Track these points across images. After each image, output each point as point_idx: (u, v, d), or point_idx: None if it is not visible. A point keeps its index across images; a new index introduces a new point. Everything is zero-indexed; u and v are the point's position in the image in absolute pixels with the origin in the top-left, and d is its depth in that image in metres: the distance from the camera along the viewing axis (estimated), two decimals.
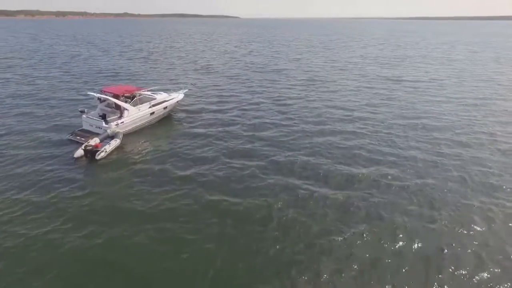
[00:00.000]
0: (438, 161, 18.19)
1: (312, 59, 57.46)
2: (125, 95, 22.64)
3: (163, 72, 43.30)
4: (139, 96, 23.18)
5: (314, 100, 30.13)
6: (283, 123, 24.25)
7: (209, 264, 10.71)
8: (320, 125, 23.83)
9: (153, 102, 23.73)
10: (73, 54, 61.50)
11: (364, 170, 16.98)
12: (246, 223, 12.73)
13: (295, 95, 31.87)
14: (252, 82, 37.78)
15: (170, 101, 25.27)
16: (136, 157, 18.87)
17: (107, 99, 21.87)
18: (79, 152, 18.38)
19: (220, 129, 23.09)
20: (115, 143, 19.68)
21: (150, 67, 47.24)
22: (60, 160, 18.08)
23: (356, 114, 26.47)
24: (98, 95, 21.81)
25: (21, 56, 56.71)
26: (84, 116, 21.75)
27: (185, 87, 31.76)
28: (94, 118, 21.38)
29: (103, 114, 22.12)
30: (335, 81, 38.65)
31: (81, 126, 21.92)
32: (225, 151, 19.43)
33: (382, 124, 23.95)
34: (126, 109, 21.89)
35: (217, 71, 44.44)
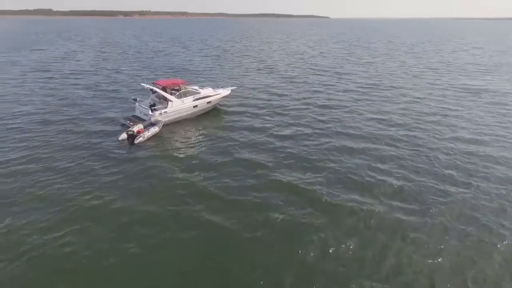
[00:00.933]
0: None
1: (386, 63, 53.68)
2: (172, 88, 24.89)
3: (226, 70, 45.65)
4: (184, 89, 25.22)
5: (361, 110, 27.95)
6: (320, 131, 23.03)
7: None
8: (358, 138, 22.18)
9: (197, 96, 25.54)
10: (159, 49, 68.93)
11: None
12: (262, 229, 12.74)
13: (345, 102, 30.46)
14: (307, 84, 37.31)
15: (214, 96, 26.81)
16: (170, 144, 20.86)
17: (155, 90, 24.25)
18: (123, 135, 21.02)
19: (257, 128, 23.44)
20: (153, 130, 21.94)
21: (217, 65, 50.24)
22: (108, 139, 20.99)
23: (402, 132, 22.72)
24: (149, 86, 24.35)
25: (118, 51, 65.86)
26: (136, 104, 24.65)
27: (233, 84, 33.10)
28: (144, 106, 24.02)
29: (153, 103, 24.67)
30: (398, 88, 35.69)
31: (134, 113, 24.84)
32: (253, 149, 19.86)
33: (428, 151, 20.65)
34: (171, 101, 24.06)
35: (278, 71, 45.01)
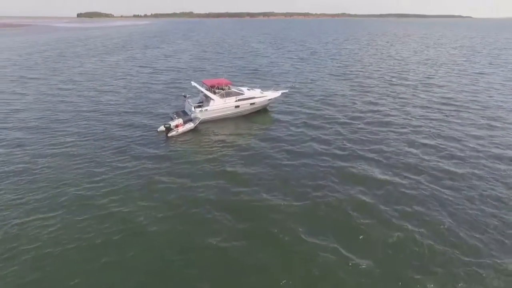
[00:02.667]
0: None
1: (508, 75, 43.42)
2: (219, 87, 26.18)
3: (301, 73, 44.74)
4: (227, 89, 26.23)
5: (433, 132, 23.54)
6: (373, 155, 20.60)
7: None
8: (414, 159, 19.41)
9: (239, 97, 26.22)
10: (255, 49, 72.18)
11: None
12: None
13: (415, 120, 26.23)
14: (375, 95, 33.58)
15: (259, 98, 27.01)
16: (202, 142, 21.91)
17: (198, 88, 25.89)
18: (161, 128, 23.31)
19: (300, 139, 22.19)
20: (188, 126, 23.65)
21: (297, 68, 49.65)
22: (151, 129, 23.62)
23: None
24: (195, 84, 26.17)
25: (217, 50, 71.93)
26: (186, 100, 26.87)
27: (286, 87, 32.36)
28: (189, 102, 25.97)
29: (201, 101, 26.52)
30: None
31: (184, 108, 27.16)
32: (284, 162, 18.89)
33: None
34: (212, 99, 25.41)
35: (353, 78, 41.73)
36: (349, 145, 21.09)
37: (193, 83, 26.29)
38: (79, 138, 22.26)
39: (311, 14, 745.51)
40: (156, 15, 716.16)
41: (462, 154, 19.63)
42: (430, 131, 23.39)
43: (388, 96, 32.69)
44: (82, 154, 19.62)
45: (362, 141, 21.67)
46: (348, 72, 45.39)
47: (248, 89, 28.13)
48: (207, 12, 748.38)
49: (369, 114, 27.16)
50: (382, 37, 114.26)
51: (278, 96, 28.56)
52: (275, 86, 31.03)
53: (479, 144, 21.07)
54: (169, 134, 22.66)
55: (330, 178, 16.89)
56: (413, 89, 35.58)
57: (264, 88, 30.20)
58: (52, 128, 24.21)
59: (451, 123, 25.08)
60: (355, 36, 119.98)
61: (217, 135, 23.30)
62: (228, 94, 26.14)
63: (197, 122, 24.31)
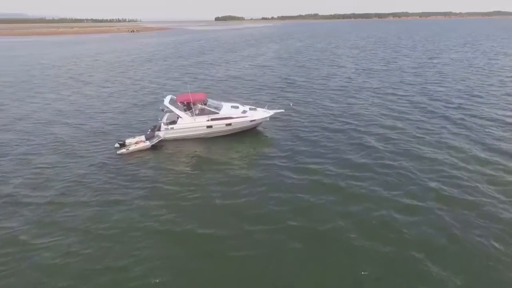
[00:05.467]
0: None
1: None
2: (194, 103, 23.06)
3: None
4: (200, 107, 22.90)
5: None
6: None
7: None
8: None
9: (213, 116, 22.61)
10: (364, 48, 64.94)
11: None
12: None
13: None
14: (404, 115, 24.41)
15: (238, 119, 22.83)
16: (152, 164, 19.35)
17: (165, 105, 23.14)
18: (116, 144, 21.70)
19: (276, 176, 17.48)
20: (142, 145, 21.41)
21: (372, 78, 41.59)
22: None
23: None
24: (165, 99, 23.60)
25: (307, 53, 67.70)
26: (164, 114, 24.68)
27: (280, 107, 26.44)
28: (160, 118, 23.64)
29: (177, 116, 23.96)
30: None
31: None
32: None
33: None
34: (180, 117, 22.56)
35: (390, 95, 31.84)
36: None
37: (166, 99, 23.63)
38: None
39: (454, 14, 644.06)
40: (282, 18, 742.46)
41: None
42: None
43: None
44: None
45: None
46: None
47: (233, 106, 24.08)
48: (332, 14, 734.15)
49: None
50: None
51: (268, 117, 23.66)
52: (270, 104, 25.79)
53: None
54: (118, 152, 20.82)
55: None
56: None
57: (260, 105, 25.47)
58: None
59: None
60: None
61: (178, 157, 20.45)
62: (201, 112, 22.82)
63: (156, 141, 21.81)
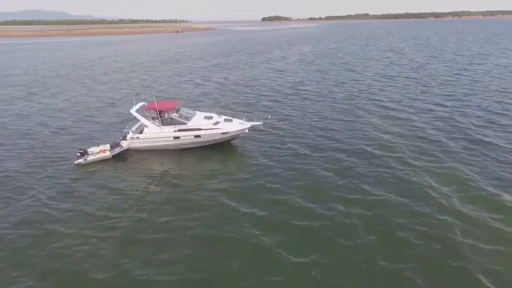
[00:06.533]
0: None
1: None
2: (164, 111, 21.55)
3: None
4: (168, 117, 21.30)
5: None
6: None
7: None
8: None
9: (181, 127, 20.92)
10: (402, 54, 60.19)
11: None
12: None
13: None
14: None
15: (207, 131, 20.96)
16: (110, 174, 18.56)
17: (132, 113, 21.79)
18: (78, 152, 20.73)
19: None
20: (102, 155, 20.34)
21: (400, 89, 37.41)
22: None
23: None
24: (134, 106, 22.27)
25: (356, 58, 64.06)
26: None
27: (259, 118, 23.88)
28: (128, 126, 22.29)
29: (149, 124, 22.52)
30: None
31: None
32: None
33: None
34: (146, 126, 21.21)
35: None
36: None
37: (135, 106, 22.27)
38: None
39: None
40: (330, 18, 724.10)
41: None
42: None
43: None
44: None
45: None
46: None
47: (206, 117, 22.15)
48: (384, 14, 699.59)
49: None
50: None
51: (245, 129, 21.47)
52: (248, 116, 23.33)
53: None
54: (76, 162, 19.87)
55: None
56: None
57: (238, 115, 23.21)
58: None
59: None
60: None
61: (135, 171, 19.16)
62: (169, 122, 21.21)
63: (117, 151, 20.63)
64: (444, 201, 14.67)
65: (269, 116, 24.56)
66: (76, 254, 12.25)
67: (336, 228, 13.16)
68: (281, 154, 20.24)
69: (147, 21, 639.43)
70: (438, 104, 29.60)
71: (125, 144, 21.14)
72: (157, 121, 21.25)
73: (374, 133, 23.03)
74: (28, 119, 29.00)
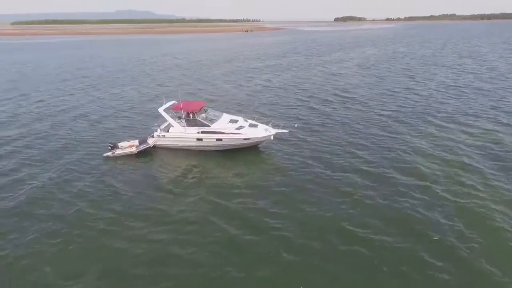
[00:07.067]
0: None
1: None
2: (194, 112, 21.75)
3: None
4: (192, 117, 21.39)
5: None
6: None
7: None
8: None
9: (204, 129, 20.89)
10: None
11: None
12: None
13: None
14: None
15: (229, 135, 20.70)
16: (134, 171, 19.22)
17: (160, 112, 22.19)
18: (109, 146, 21.96)
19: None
20: (128, 150, 21.30)
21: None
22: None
23: None
24: (165, 105, 22.70)
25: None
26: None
27: (286, 126, 22.30)
28: (158, 124, 22.96)
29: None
30: None
31: None
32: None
33: None
34: (172, 126, 21.60)
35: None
36: None
37: (165, 105, 22.73)
38: None
39: None
40: (409, 18, 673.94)
41: None
42: None
43: None
44: None
45: None
46: None
47: (232, 120, 21.83)
48: (475, 14, 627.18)
49: None
50: None
51: (269, 136, 20.79)
52: (274, 122, 22.10)
53: None
54: (105, 154, 21.10)
55: None
56: None
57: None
58: None
59: None
60: None
61: (156, 169, 19.69)
62: (194, 123, 21.29)
63: (142, 147, 21.42)
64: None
65: (296, 125, 23.20)
66: (98, 225, 13.69)
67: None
68: (300, 170, 18.77)
69: (221, 20, 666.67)
70: (509, 125, 25.00)
71: (151, 142, 21.86)
72: (183, 121, 21.51)
73: (413, 157, 20.00)
74: (76, 110, 31.80)
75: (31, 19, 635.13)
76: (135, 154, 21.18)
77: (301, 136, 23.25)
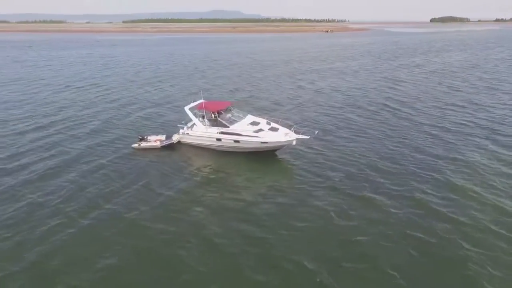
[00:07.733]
0: None
1: None
2: (219, 111, 21.96)
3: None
4: (214, 117, 21.44)
5: None
6: None
7: None
8: None
9: (223, 129, 20.81)
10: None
11: None
12: None
13: None
14: None
15: (246, 137, 20.41)
16: (156, 165, 19.97)
17: (185, 110, 22.62)
18: (138, 137, 23.38)
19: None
20: (152, 144, 22.47)
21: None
22: None
23: None
24: (192, 104, 23.05)
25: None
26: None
27: (307, 132, 20.52)
28: (185, 121, 23.51)
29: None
30: None
31: None
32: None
33: None
34: (195, 124, 21.97)
35: None
36: None
37: (194, 103, 23.12)
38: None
39: None
40: None
41: None
42: None
43: None
44: None
45: None
46: None
47: (253, 122, 21.32)
48: None
49: None
50: None
51: (291, 141, 19.73)
52: (296, 127, 20.61)
53: None
54: (132, 145, 22.50)
55: None
56: None
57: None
58: None
59: None
60: None
61: (175, 164, 20.21)
62: (215, 123, 21.31)
63: (166, 143, 22.40)
64: None
65: (316, 132, 21.41)
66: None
67: None
68: (319, 183, 17.32)
69: (306, 20, 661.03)
70: None
71: (175, 138, 22.63)
72: (206, 120, 21.66)
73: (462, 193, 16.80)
74: (120, 103, 34.15)
75: (137, 18, 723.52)
76: (159, 148, 22.18)
77: (320, 147, 21.63)
